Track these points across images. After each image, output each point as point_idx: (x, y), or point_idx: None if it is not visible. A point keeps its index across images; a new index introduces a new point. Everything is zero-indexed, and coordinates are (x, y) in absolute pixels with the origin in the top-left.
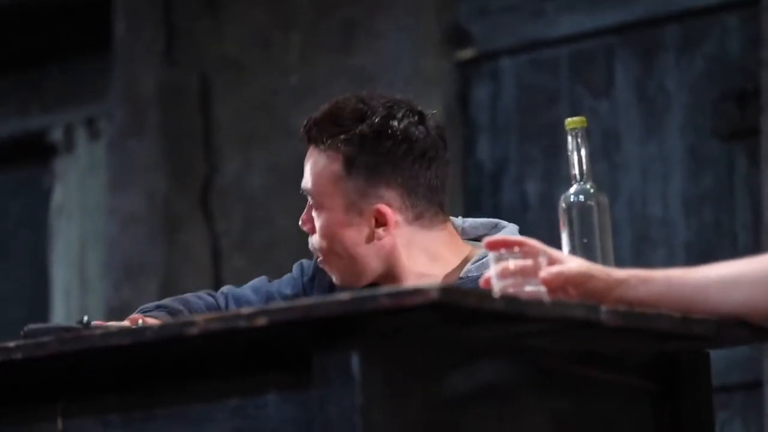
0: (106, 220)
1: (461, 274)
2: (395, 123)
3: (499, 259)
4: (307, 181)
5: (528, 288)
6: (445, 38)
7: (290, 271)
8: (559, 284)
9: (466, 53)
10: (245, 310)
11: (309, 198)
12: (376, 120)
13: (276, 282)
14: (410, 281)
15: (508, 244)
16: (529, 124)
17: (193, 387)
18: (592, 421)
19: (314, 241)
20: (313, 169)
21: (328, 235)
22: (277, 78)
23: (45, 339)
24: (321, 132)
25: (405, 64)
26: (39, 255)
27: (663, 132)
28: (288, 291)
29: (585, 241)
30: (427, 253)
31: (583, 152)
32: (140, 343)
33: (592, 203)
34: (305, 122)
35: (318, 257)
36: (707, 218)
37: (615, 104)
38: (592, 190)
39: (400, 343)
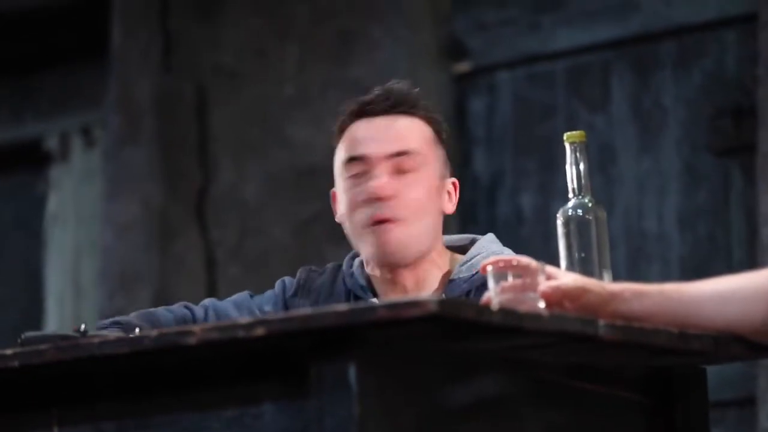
0: (101, 229)
1: (452, 276)
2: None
3: (499, 278)
4: (407, 143)
5: (526, 301)
6: (441, 51)
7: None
8: (557, 298)
9: (463, 66)
10: (243, 319)
11: (392, 162)
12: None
13: (258, 297)
14: (426, 268)
15: (508, 263)
16: (524, 137)
17: (190, 396)
18: None
19: (396, 205)
20: (409, 130)
21: (422, 196)
22: (273, 87)
23: (42, 347)
24: (410, 100)
25: (401, 76)
26: (33, 262)
27: (659, 147)
28: (268, 307)
29: (583, 254)
30: (441, 245)
31: (581, 166)
32: (138, 351)
33: (590, 217)
34: (379, 97)
35: (388, 221)
36: (702, 233)
37: (611, 119)
38: (590, 204)
39: (398, 355)
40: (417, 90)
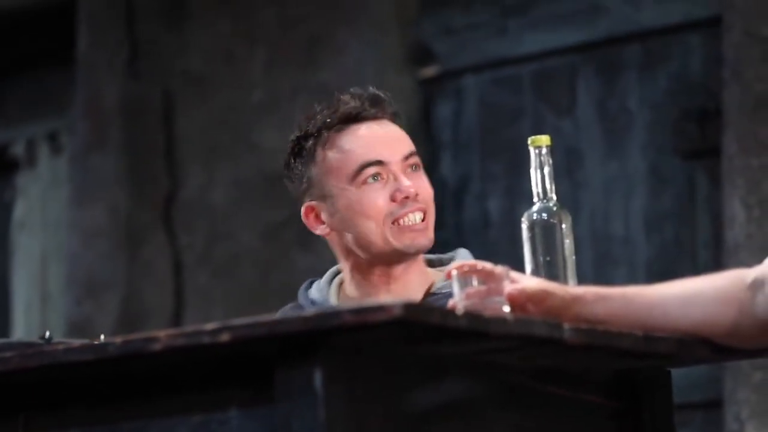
0: (68, 235)
1: (433, 289)
2: None
3: (463, 283)
4: (408, 142)
5: (491, 305)
6: (408, 55)
7: (252, 285)
8: (521, 301)
9: (430, 70)
10: (209, 325)
11: (405, 162)
12: None
13: None
14: (415, 272)
15: (472, 268)
16: (491, 141)
17: (156, 402)
18: None
19: (425, 201)
20: (403, 132)
21: (431, 192)
22: (241, 93)
23: (7, 354)
24: (390, 104)
25: (368, 81)
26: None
27: (625, 150)
28: None
29: (548, 258)
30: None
31: (546, 170)
32: (103, 358)
33: (555, 221)
34: (366, 102)
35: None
36: (668, 236)
37: (577, 122)
38: (555, 208)
39: (364, 360)
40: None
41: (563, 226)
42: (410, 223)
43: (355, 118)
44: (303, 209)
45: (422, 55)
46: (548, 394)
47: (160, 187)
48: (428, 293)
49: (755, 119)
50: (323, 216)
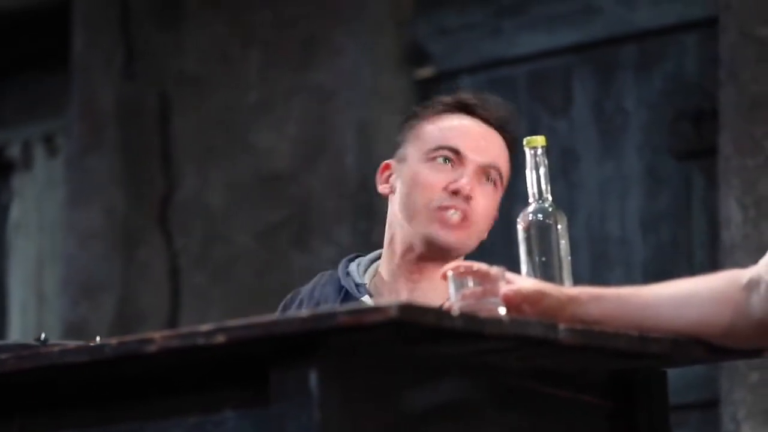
0: (64, 237)
1: None
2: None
3: (459, 284)
4: (499, 159)
5: (487, 306)
6: (404, 56)
7: (248, 286)
8: (517, 301)
9: (425, 71)
10: (204, 327)
11: (482, 170)
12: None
13: None
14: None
15: (469, 270)
16: None
17: (151, 404)
18: None
19: (473, 209)
20: (504, 150)
21: (492, 211)
22: (236, 94)
23: (3, 356)
24: (510, 122)
25: (364, 82)
26: None
27: (620, 151)
28: None
29: (543, 259)
30: None
31: (542, 171)
32: (98, 360)
33: (551, 222)
34: (485, 104)
35: (464, 215)
36: (664, 237)
37: (573, 123)
38: (550, 209)
39: (360, 361)
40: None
41: (559, 226)
42: (447, 217)
43: (468, 108)
44: (381, 165)
45: (417, 55)
46: (544, 394)
47: (156, 188)
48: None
49: (751, 120)
50: (392, 177)
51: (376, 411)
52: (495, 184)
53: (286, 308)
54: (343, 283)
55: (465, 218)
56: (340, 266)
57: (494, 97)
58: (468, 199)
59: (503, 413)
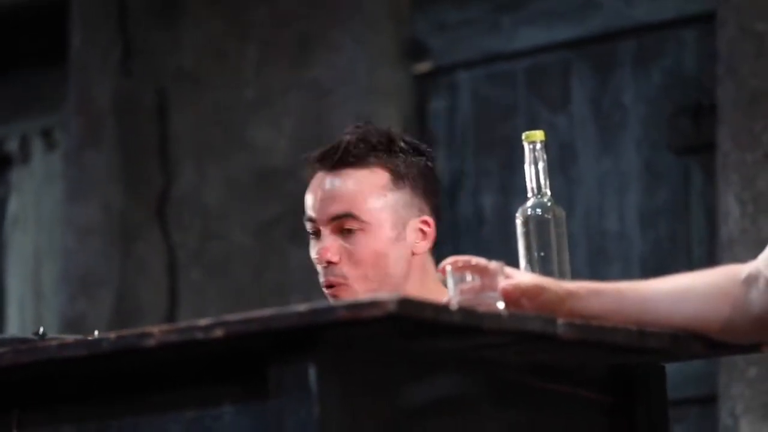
0: (62, 232)
1: None
2: (417, 141)
3: (457, 279)
4: (349, 204)
5: (485, 301)
6: (401, 51)
7: (245, 282)
8: (516, 296)
9: (423, 66)
10: (202, 321)
11: (335, 224)
12: (403, 137)
13: None
14: None
15: (467, 264)
16: (485, 137)
17: (149, 398)
18: None
19: (342, 269)
20: (356, 187)
21: (371, 255)
22: (233, 90)
23: (1, 350)
24: (361, 151)
25: (361, 77)
26: None
27: (619, 146)
28: None
29: (542, 254)
30: (433, 280)
31: (540, 165)
32: (96, 354)
33: (549, 216)
34: (330, 150)
35: (335, 286)
36: (663, 232)
37: (571, 118)
38: (548, 204)
39: (358, 355)
40: (372, 131)
41: (557, 221)
42: (329, 293)
43: (318, 166)
44: None
45: (415, 51)
46: (542, 389)
47: (153, 184)
48: None
49: (750, 115)
50: None
51: (374, 405)
52: (359, 229)
53: None
54: None
55: (337, 285)
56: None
57: (351, 130)
58: (333, 263)
59: (501, 408)
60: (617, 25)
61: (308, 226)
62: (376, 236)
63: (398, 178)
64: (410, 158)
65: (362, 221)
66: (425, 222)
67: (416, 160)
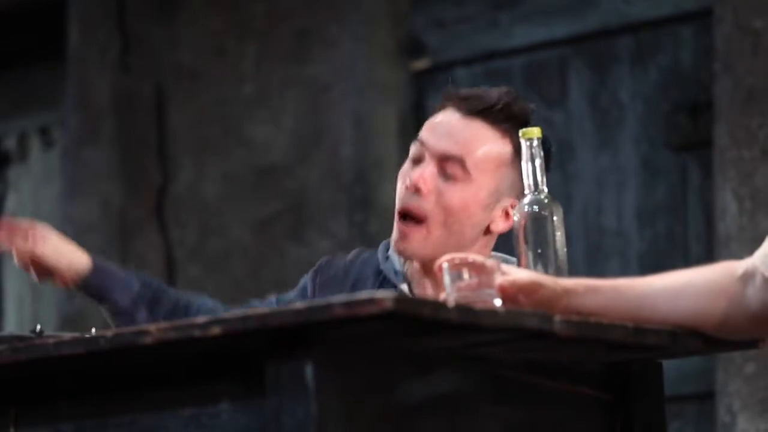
0: (60, 229)
1: None
2: (548, 136)
3: (454, 276)
4: (466, 150)
5: (482, 298)
6: (399, 48)
7: (244, 279)
8: (513, 292)
9: (421, 63)
10: (199, 319)
11: (442, 161)
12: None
13: (287, 293)
14: None
15: (464, 262)
16: None
17: (147, 396)
18: (545, 430)
19: (427, 203)
20: (479, 141)
21: (459, 206)
22: (232, 86)
23: None
24: (502, 114)
25: (359, 74)
26: None
27: (616, 143)
28: (290, 295)
29: (539, 251)
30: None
31: (537, 162)
32: (94, 352)
33: (547, 213)
34: (476, 96)
35: (414, 216)
36: (660, 229)
37: (569, 115)
38: (546, 201)
39: (355, 353)
40: (523, 105)
41: (555, 218)
42: (399, 228)
43: (451, 104)
44: None
45: (413, 48)
46: (539, 386)
47: (151, 180)
48: None
49: (746, 111)
50: None
51: (371, 403)
52: (460, 178)
53: (318, 275)
54: (382, 267)
55: (415, 216)
56: (380, 249)
57: (495, 89)
58: (418, 192)
59: (499, 405)
60: (614, 21)
61: (414, 148)
62: (471, 193)
63: (517, 155)
64: (541, 147)
65: (467, 172)
66: (514, 205)
67: (542, 152)
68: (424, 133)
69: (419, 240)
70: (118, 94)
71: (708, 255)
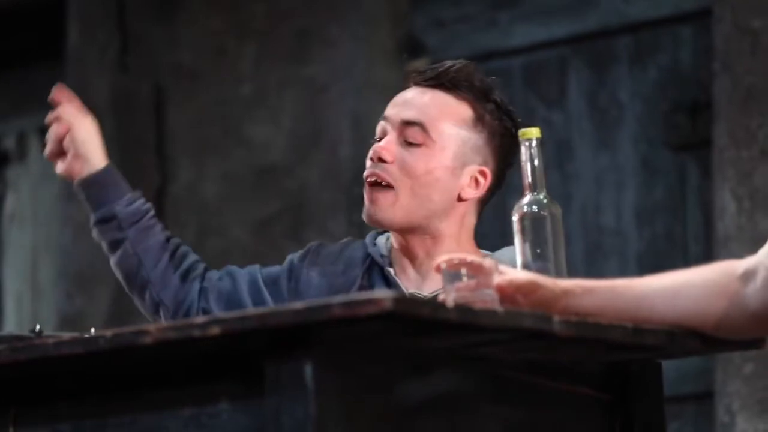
0: (59, 229)
1: None
2: (515, 114)
3: (452, 276)
4: (424, 115)
5: (481, 298)
6: (399, 48)
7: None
8: (510, 292)
9: (420, 63)
10: (199, 319)
11: (403, 129)
12: (504, 100)
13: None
14: (444, 250)
15: (462, 261)
16: None
17: (146, 396)
18: (544, 430)
19: (392, 169)
20: (440, 107)
21: (423, 170)
22: (231, 86)
23: None
24: (460, 79)
25: (358, 74)
26: None
27: (615, 143)
28: (274, 270)
29: (538, 251)
30: (468, 236)
31: (536, 162)
32: (93, 352)
33: (546, 213)
34: (431, 68)
35: (381, 182)
36: (659, 229)
37: (568, 115)
38: (545, 201)
39: (354, 353)
40: (482, 76)
41: (554, 218)
42: (366, 193)
43: (412, 80)
44: None
45: (413, 47)
46: (538, 386)
47: (150, 180)
48: None
49: (745, 111)
50: None
51: (371, 403)
52: (423, 143)
53: (306, 257)
54: (369, 251)
55: (381, 182)
56: (369, 236)
57: (458, 62)
58: (385, 162)
59: (498, 405)
60: (614, 21)
61: (379, 127)
62: (435, 156)
63: (479, 120)
64: (499, 114)
65: (428, 136)
66: (483, 173)
67: (503, 119)
68: (387, 109)
69: (388, 205)
70: (118, 94)
71: (707, 255)
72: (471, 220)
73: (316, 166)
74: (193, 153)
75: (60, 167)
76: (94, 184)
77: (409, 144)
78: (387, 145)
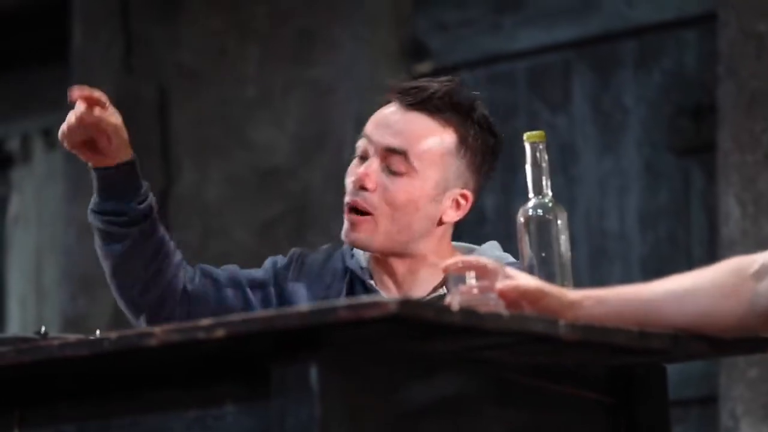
0: (63, 230)
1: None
2: (495, 123)
3: (458, 280)
4: (408, 144)
5: (487, 302)
6: (402, 51)
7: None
8: (515, 297)
9: (424, 66)
10: (204, 321)
11: (386, 156)
12: (485, 113)
13: (246, 270)
14: (424, 266)
15: (468, 264)
16: None
17: (150, 398)
18: None
19: (373, 198)
20: (424, 134)
21: (404, 200)
22: (234, 88)
23: (2, 349)
24: (443, 104)
25: (362, 76)
26: None
27: (620, 146)
28: (258, 275)
29: (543, 254)
30: (447, 245)
31: (541, 166)
32: (98, 353)
33: (551, 217)
34: (414, 88)
35: (361, 210)
36: (663, 233)
37: (572, 118)
38: (550, 204)
39: (359, 355)
40: (466, 93)
41: (558, 222)
42: (348, 216)
43: (394, 98)
44: None
45: (416, 51)
46: (543, 389)
47: (154, 182)
48: (433, 290)
49: (750, 115)
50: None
51: (376, 405)
52: (405, 172)
53: (290, 266)
54: (348, 264)
55: (361, 210)
56: (345, 249)
57: (438, 79)
58: (367, 189)
59: (503, 408)
60: (618, 25)
61: (360, 145)
62: (416, 186)
63: (462, 146)
64: (482, 134)
65: (411, 165)
66: (464, 196)
67: (486, 137)
68: (368, 127)
69: (367, 231)
70: (121, 95)
71: (711, 259)
72: (448, 237)
73: (319, 169)
74: (197, 155)
75: (87, 154)
76: (121, 173)
77: (391, 172)
78: (369, 171)
